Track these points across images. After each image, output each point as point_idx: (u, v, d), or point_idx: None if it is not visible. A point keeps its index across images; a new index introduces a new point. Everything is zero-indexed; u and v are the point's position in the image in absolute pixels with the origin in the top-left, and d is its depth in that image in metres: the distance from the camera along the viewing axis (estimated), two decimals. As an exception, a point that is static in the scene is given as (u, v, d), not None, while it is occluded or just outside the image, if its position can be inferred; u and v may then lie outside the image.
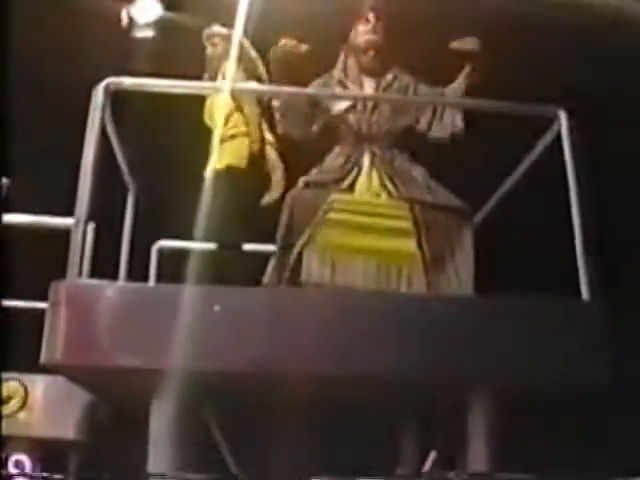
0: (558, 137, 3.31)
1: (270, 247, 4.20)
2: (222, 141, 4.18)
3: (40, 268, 3.61)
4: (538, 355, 2.98)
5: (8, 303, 4.65)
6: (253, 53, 4.39)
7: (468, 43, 3.57)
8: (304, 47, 3.59)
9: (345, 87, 3.77)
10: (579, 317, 3.09)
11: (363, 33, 3.76)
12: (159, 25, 6.12)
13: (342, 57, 3.83)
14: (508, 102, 3.40)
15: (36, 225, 4.93)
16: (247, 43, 4.40)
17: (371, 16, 3.75)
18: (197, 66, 5.04)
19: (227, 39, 4.33)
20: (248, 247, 4.33)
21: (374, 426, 3.85)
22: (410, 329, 2.97)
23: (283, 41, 3.59)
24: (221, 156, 4.14)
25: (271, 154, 4.31)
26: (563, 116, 3.29)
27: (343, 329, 2.92)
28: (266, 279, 3.41)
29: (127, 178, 3.88)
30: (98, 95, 3.12)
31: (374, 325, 2.97)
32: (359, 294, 3.23)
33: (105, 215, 3.75)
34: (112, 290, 2.92)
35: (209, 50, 4.42)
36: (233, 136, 4.25)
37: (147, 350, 2.81)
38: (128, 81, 3.22)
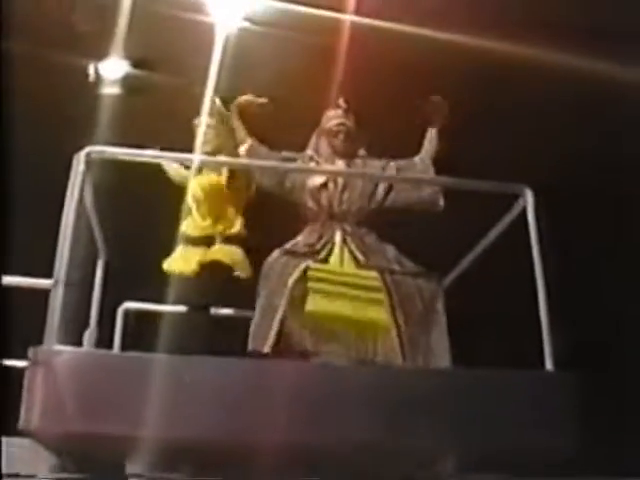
0: (523, 211, 3.44)
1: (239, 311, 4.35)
2: None
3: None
4: (505, 423, 3.07)
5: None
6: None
7: (435, 101, 3.77)
8: (262, 100, 3.83)
9: (318, 164, 3.89)
10: (544, 387, 3.18)
11: (334, 117, 3.92)
12: (126, 82, 6.17)
13: (314, 139, 3.98)
14: (476, 180, 3.50)
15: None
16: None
17: (341, 101, 3.91)
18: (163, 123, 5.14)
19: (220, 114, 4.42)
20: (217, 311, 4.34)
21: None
22: (380, 398, 3.04)
23: (244, 97, 3.85)
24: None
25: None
26: (529, 194, 3.42)
27: (317, 399, 2.97)
28: (249, 346, 3.44)
29: (100, 244, 3.90)
30: (79, 163, 3.16)
31: (348, 395, 3.03)
32: (335, 366, 3.29)
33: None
34: (89, 357, 2.93)
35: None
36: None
37: (119, 417, 2.81)
38: (110, 150, 3.26)
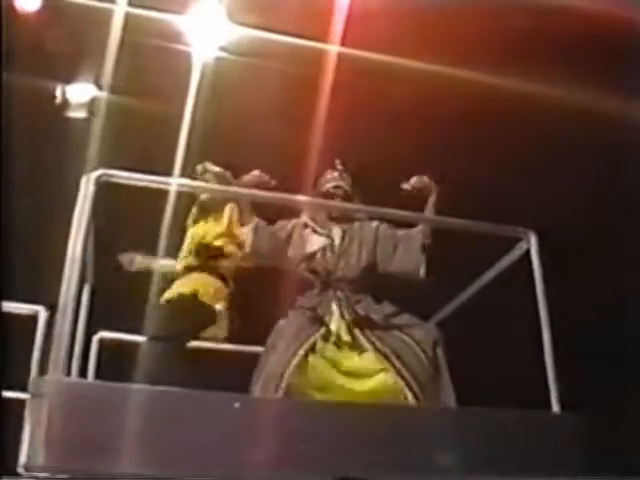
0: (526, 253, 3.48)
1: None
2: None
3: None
4: (511, 465, 3.07)
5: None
6: None
7: (418, 182, 3.71)
8: (272, 182, 3.70)
9: (314, 230, 3.81)
10: (549, 429, 3.20)
11: (330, 180, 3.88)
12: (92, 106, 6.02)
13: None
14: (481, 222, 3.52)
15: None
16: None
17: (338, 164, 3.88)
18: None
19: (219, 177, 4.38)
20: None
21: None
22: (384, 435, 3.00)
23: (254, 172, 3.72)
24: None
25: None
26: (533, 238, 3.46)
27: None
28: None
29: (89, 268, 3.76)
30: (89, 185, 3.04)
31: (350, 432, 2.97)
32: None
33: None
34: (107, 389, 2.79)
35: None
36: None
37: (136, 455, 2.68)
38: (121, 174, 3.15)
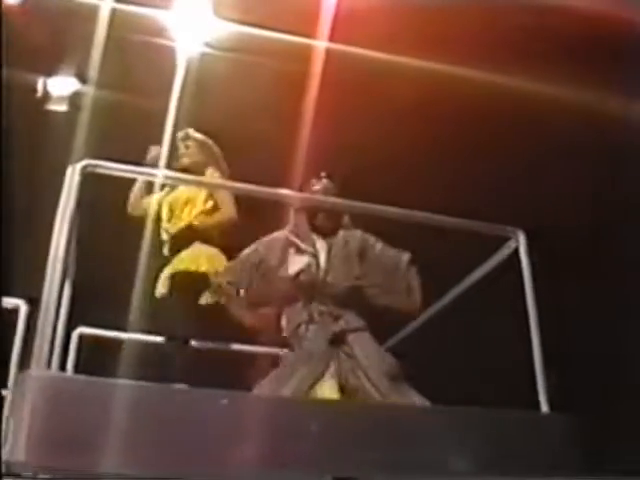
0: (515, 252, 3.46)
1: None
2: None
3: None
4: (501, 464, 3.04)
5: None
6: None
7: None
8: None
9: (297, 248, 3.70)
10: (539, 429, 3.17)
11: (315, 192, 3.79)
12: (74, 99, 5.94)
13: (292, 215, 3.81)
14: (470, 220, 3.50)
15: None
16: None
17: (323, 175, 3.81)
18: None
19: (200, 144, 4.37)
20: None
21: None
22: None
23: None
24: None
25: None
26: (522, 237, 3.44)
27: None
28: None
29: (72, 262, 3.67)
30: (74, 175, 2.98)
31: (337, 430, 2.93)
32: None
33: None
34: (94, 385, 2.72)
35: (182, 150, 4.40)
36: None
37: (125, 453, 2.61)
38: (106, 164, 3.09)
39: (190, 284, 3.99)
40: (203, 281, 3.93)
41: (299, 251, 3.69)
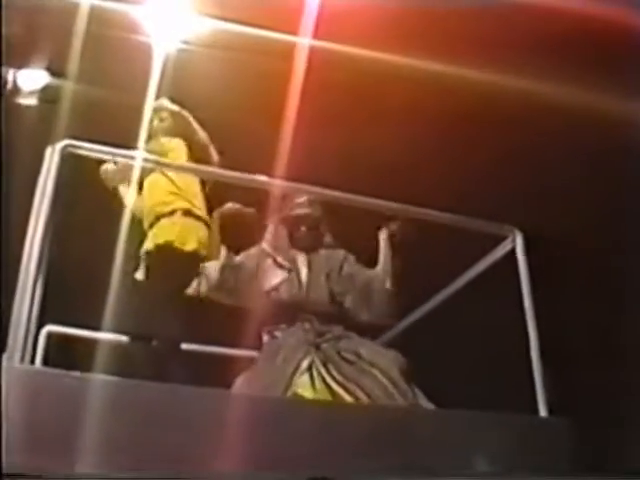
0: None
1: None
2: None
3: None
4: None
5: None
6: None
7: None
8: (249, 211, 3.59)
9: (276, 262, 3.57)
10: (537, 433, 3.06)
11: (298, 206, 3.65)
12: (45, 93, 5.73)
13: (271, 229, 3.69)
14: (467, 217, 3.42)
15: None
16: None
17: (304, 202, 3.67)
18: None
19: (175, 115, 4.16)
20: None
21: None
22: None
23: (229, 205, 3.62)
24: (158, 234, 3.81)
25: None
26: (519, 236, 3.37)
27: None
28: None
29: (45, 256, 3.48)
30: (54, 156, 2.81)
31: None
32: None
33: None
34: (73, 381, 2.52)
35: (155, 123, 4.20)
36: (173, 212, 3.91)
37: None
38: (87, 145, 2.93)
39: (173, 265, 3.62)
40: (189, 263, 3.58)
41: (276, 264, 3.56)
